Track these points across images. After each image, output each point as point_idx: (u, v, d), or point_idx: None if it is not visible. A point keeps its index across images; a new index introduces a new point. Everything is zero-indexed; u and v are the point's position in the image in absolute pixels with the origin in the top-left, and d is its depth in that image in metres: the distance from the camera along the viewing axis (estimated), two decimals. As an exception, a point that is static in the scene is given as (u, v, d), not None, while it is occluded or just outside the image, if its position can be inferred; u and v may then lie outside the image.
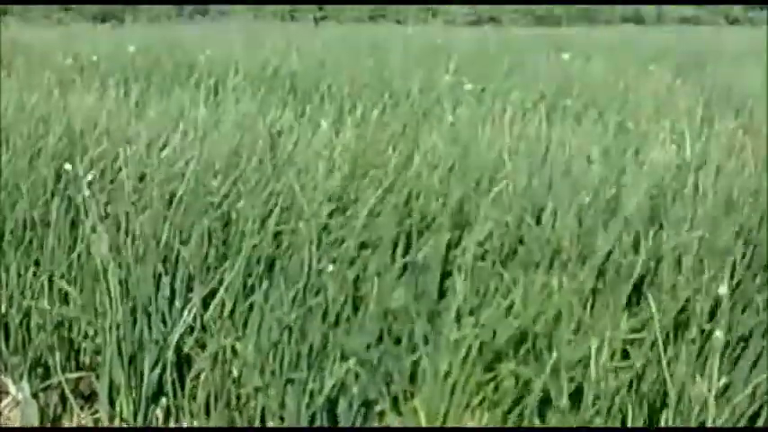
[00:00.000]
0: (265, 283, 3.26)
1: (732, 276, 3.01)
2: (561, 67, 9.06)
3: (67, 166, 4.03)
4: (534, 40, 15.79)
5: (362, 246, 3.45)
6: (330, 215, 3.62)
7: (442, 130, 4.90)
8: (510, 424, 2.83)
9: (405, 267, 3.33)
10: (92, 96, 6.17)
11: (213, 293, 3.35)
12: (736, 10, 52.10)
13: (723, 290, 2.76)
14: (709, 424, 2.60)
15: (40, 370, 3.44)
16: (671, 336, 2.81)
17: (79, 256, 3.57)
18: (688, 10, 47.45)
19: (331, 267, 3.19)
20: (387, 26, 27.24)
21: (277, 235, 3.57)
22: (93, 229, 3.56)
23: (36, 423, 3.26)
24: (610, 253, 3.22)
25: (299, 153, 4.34)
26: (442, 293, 3.24)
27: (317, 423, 2.96)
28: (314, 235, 3.35)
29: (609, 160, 4.18)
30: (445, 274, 3.28)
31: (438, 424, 2.84)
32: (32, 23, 18.38)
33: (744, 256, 3.16)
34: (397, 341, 3.03)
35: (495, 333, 2.87)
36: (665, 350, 2.73)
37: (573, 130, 5.19)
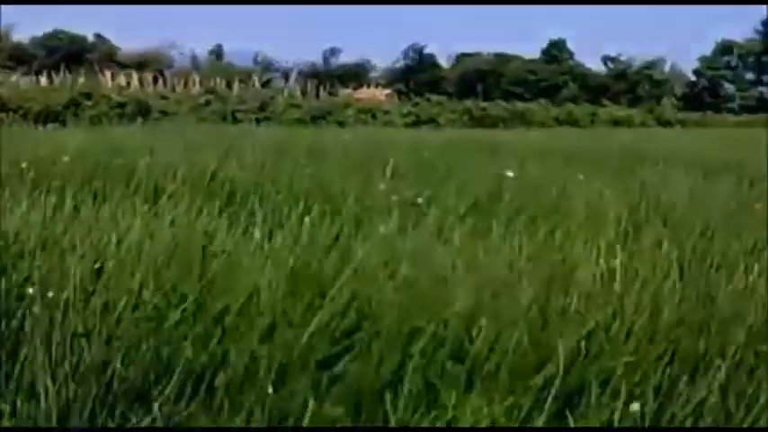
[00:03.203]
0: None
1: (656, 394, 3.08)
2: (495, 172, 9.24)
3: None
4: (470, 144, 16.08)
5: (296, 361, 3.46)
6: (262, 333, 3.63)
7: (376, 241, 4.96)
8: None
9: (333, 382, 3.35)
10: (29, 205, 6.13)
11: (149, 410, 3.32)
12: (668, 111, 53.81)
13: (635, 406, 2.85)
14: None
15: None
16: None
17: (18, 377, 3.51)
18: (620, 112, 48.85)
19: (270, 390, 3.19)
20: (329, 127, 27.58)
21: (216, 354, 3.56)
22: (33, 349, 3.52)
23: None
24: (541, 370, 3.26)
25: (233, 266, 4.35)
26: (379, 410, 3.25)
27: None
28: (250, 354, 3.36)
29: (540, 273, 4.25)
30: (383, 390, 3.30)
31: None
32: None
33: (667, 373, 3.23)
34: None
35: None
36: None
37: (505, 239, 5.27)
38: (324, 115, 34.02)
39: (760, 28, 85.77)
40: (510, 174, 8.32)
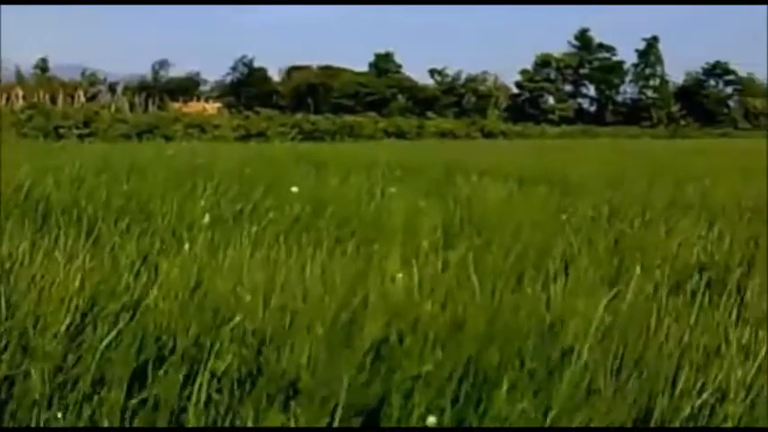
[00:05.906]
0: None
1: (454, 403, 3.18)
2: (319, 186, 9.32)
3: None
4: (297, 157, 16.14)
5: (98, 383, 3.39)
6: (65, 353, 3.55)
7: (186, 258, 4.91)
8: None
9: (142, 403, 3.31)
10: None
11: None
12: (492, 123, 55.57)
13: (432, 419, 2.93)
14: None
15: None
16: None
17: None
18: (446, 124, 50.15)
19: (60, 414, 3.12)
20: (155, 143, 27.06)
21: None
22: None
23: None
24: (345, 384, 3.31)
25: (33, 286, 4.23)
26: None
27: None
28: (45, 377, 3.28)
29: (348, 286, 4.31)
30: (182, 410, 3.28)
31: None
32: None
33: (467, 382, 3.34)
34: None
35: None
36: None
37: (318, 254, 5.31)
38: (151, 130, 33.44)
39: (574, 42, 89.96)
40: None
